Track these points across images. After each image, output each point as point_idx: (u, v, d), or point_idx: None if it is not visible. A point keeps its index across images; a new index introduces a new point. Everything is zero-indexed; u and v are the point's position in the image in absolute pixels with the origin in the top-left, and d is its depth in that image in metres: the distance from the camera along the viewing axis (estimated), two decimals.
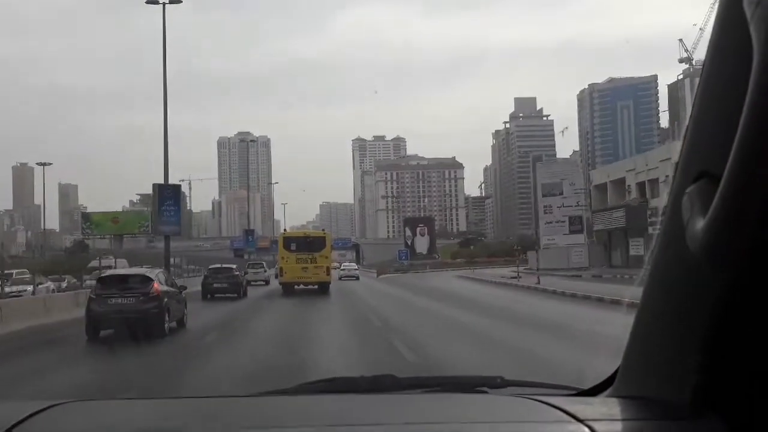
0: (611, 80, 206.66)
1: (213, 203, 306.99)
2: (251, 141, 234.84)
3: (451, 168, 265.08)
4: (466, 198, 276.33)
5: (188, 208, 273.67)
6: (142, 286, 16.81)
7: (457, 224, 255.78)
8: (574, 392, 2.03)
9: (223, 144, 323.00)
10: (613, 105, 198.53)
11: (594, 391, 1.92)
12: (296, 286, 34.76)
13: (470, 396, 2.21)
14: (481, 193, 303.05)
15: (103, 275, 19.46)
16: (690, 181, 1.20)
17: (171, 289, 18.32)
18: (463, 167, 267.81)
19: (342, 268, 65.55)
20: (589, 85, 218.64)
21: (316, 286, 34.69)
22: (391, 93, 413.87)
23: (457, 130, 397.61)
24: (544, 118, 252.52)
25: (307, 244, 36.17)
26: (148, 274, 17.76)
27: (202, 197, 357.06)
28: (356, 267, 71.02)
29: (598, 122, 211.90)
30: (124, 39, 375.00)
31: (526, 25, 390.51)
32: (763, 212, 1.04)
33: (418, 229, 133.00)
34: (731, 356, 1.33)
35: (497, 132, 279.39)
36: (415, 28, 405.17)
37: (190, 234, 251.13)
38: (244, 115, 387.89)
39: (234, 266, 37.18)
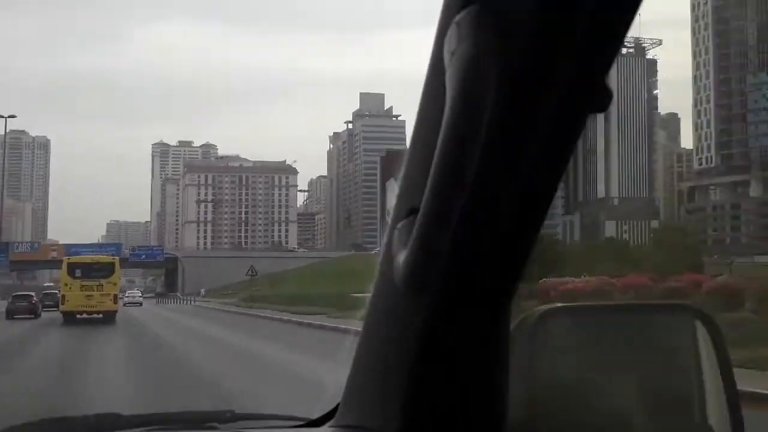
0: None
1: None
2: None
3: (282, 173, 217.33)
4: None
5: None
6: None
7: (287, 241, 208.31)
8: (302, 423, 2.02)
9: None
10: None
11: (320, 422, 1.90)
12: (78, 315, 33.61)
13: None
14: (306, 208, 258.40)
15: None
16: (403, 216, 1.26)
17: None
18: (297, 172, 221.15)
19: (126, 295, 68.11)
20: None
21: (101, 315, 33.72)
22: (192, 112, 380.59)
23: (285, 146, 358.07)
24: (394, 119, 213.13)
25: (93, 270, 35.06)
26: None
27: None
28: (140, 294, 79.15)
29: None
30: None
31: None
32: (452, 243, 1.14)
33: None
34: (434, 381, 1.35)
35: (336, 135, 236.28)
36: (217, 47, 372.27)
37: None
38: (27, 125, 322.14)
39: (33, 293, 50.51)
